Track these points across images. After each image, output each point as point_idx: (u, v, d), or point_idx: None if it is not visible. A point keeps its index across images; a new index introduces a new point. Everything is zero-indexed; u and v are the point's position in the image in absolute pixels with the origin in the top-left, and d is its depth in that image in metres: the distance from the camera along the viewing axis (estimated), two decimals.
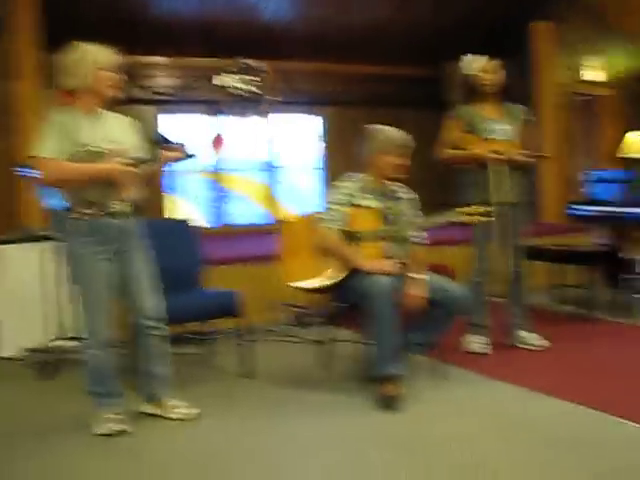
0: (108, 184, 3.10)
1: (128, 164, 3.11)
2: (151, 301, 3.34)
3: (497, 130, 4.30)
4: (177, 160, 3.31)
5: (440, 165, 4.58)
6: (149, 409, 3.44)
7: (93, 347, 3.20)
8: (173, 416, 3.38)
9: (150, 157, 3.24)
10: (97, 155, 3.10)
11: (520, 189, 4.38)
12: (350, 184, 3.80)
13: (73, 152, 3.06)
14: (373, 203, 3.78)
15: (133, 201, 3.25)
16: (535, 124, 4.69)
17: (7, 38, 5.69)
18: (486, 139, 4.27)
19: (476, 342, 4.39)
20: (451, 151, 4.37)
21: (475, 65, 4.33)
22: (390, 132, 3.79)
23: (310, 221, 3.86)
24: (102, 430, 3.17)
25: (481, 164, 4.25)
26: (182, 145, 3.32)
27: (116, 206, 3.16)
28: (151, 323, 3.33)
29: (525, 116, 4.43)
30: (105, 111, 3.26)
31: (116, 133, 3.23)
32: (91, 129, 3.14)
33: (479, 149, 4.23)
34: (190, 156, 3.36)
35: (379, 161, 3.76)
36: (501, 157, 4.18)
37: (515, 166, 4.26)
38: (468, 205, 3.87)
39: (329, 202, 3.78)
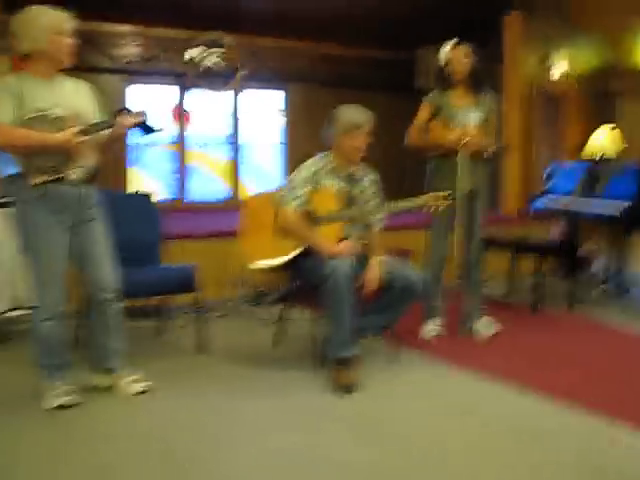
0: (63, 151, 3.04)
1: (81, 131, 3.04)
2: (108, 274, 3.29)
3: (464, 117, 4.31)
4: (135, 126, 3.23)
5: (404, 150, 4.60)
6: (102, 382, 3.42)
7: (43, 318, 3.14)
8: (126, 390, 3.36)
9: (105, 122, 3.17)
10: (51, 121, 3.02)
11: (481, 177, 4.42)
12: (313, 165, 3.79)
13: (27, 117, 2.99)
14: (334, 184, 3.78)
15: (89, 169, 3.19)
16: (499, 113, 4.71)
17: None
18: (452, 126, 4.28)
19: (431, 326, 4.44)
20: (418, 136, 4.38)
21: (446, 50, 4.35)
22: (351, 112, 3.76)
23: (271, 199, 3.85)
24: (52, 403, 3.14)
25: (445, 151, 4.28)
26: (142, 113, 3.25)
27: (71, 174, 3.10)
28: (107, 296, 3.29)
29: (493, 106, 4.46)
30: (62, 76, 3.19)
31: (72, 99, 3.16)
32: (46, 94, 3.06)
33: (447, 135, 4.24)
34: (152, 129, 3.30)
35: (342, 142, 3.75)
36: (466, 144, 4.19)
37: (478, 154, 4.30)
38: (430, 191, 3.89)
39: (291, 182, 3.77)
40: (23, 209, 3.10)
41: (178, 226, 5.69)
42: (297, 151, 8.12)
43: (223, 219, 6.36)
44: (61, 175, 3.07)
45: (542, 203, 6.46)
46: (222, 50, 7.84)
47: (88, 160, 3.18)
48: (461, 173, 4.22)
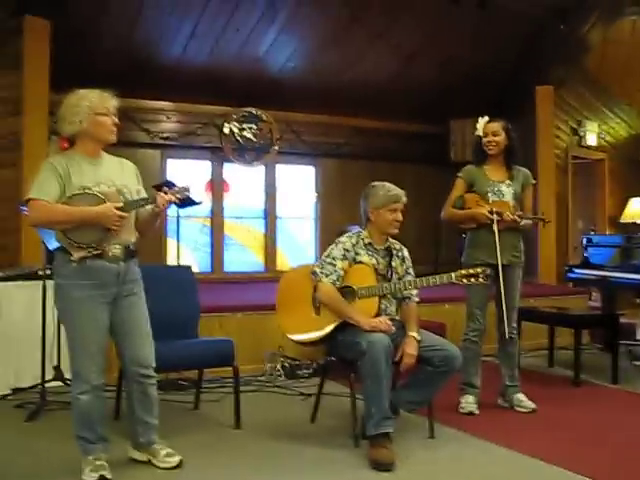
0: (102, 227, 3.10)
1: (121, 207, 3.11)
2: (145, 349, 3.32)
3: (498, 191, 4.34)
4: (175, 203, 3.28)
5: (440, 223, 4.63)
6: (137, 455, 3.41)
7: (81, 391, 3.16)
8: (159, 464, 3.34)
9: (145, 199, 3.23)
10: (93, 197, 3.10)
11: (517, 250, 4.41)
12: (349, 240, 3.85)
13: (70, 195, 3.08)
14: (371, 259, 3.82)
15: (129, 245, 3.25)
16: (535, 187, 4.74)
17: (19, 75, 5.79)
18: (487, 200, 4.31)
19: (467, 402, 4.35)
20: (452, 210, 4.41)
21: (478, 126, 4.42)
22: (387, 187, 3.85)
23: (307, 273, 3.87)
24: (89, 478, 3.11)
25: (481, 224, 4.29)
26: (184, 188, 3.31)
27: (111, 249, 3.15)
28: (143, 371, 3.31)
29: (528, 179, 4.48)
30: (106, 155, 3.30)
31: (116, 176, 3.24)
32: (90, 172, 3.16)
33: (479, 209, 4.27)
34: (194, 202, 3.35)
35: (379, 216, 3.82)
36: (500, 218, 4.21)
37: (513, 227, 4.30)
38: (467, 266, 3.90)
39: (328, 256, 3.82)
40: (63, 283, 3.16)
41: (214, 299, 5.74)
42: (330, 225, 8.18)
43: (258, 292, 6.41)
44: (100, 251, 3.12)
45: (579, 273, 6.41)
46: (257, 125, 8.10)
47: (128, 236, 3.24)
48: (496, 246, 4.21)
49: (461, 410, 4.31)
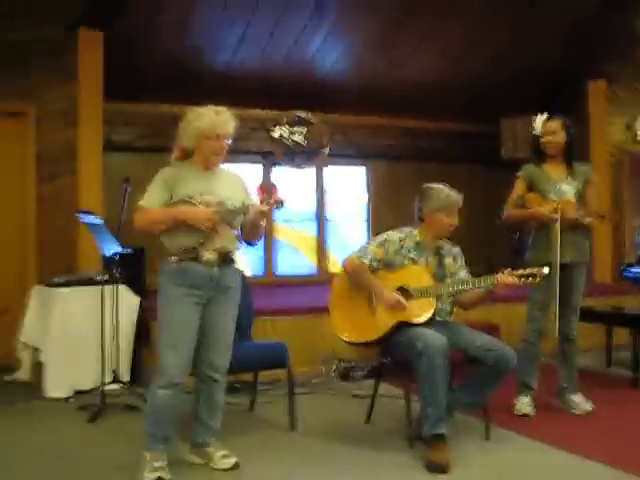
0: (198, 233, 3.22)
1: (218, 212, 3.23)
2: (223, 355, 3.43)
3: (560, 190, 4.28)
4: (271, 210, 3.33)
5: (493, 222, 4.59)
6: (194, 459, 3.48)
7: (161, 385, 3.23)
8: (216, 466, 3.40)
9: (243, 207, 3.32)
10: (195, 205, 3.24)
11: (580, 249, 4.33)
12: (393, 233, 3.90)
13: (172, 202, 3.24)
14: (417, 258, 3.85)
15: (226, 251, 3.35)
16: (596, 184, 4.65)
17: (74, 86, 5.93)
18: (548, 199, 4.25)
19: (522, 403, 4.31)
20: (511, 211, 4.37)
21: (536, 125, 4.36)
22: (444, 192, 3.86)
23: None
24: (148, 478, 3.17)
25: (542, 224, 4.24)
26: (279, 201, 3.33)
27: (207, 254, 3.27)
28: (216, 376, 3.41)
29: (589, 176, 4.40)
30: (221, 168, 3.44)
31: (222, 188, 3.36)
32: (197, 183, 3.30)
33: (541, 209, 4.22)
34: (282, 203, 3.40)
35: (436, 218, 3.83)
36: (562, 217, 4.14)
37: (575, 226, 4.23)
38: (531, 265, 3.86)
39: (366, 243, 3.91)
40: (163, 281, 3.31)
41: (267, 302, 5.80)
42: (380, 226, 8.15)
43: (310, 295, 6.44)
44: (196, 255, 3.25)
45: (635, 271, 6.28)
46: (307, 128, 8.13)
47: (226, 244, 3.35)
48: (556, 245, 4.14)
49: (516, 412, 4.27)
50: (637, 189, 9.37)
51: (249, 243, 3.54)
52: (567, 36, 7.91)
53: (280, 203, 3.33)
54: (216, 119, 3.29)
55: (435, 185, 3.91)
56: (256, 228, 3.45)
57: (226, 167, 3.50)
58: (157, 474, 3.18)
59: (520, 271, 3.66)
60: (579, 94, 8.20)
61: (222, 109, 3.34)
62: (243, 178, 3.58)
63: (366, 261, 3.81)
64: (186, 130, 3.31)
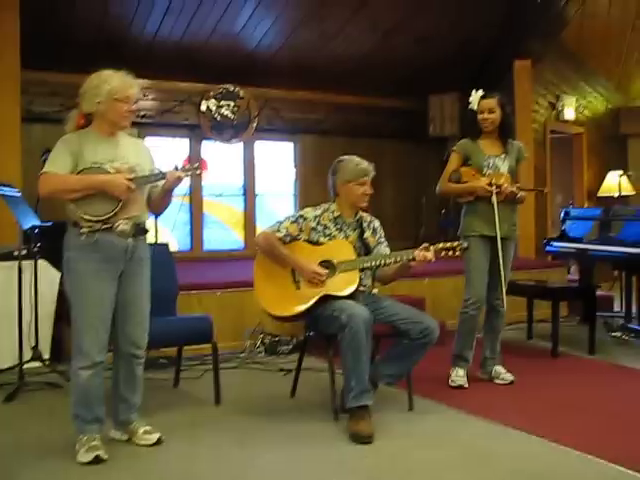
0: (112, 200, 3.11)
1: (131, 179, 3.13)
2: (141, 329, 3.34)
3: (494, 165, 4.33)
4: (182, 178, 3.29)
5: (420, 198, 4.63)
6: (117, 435, 3.41)
7: (81, 366, 3.14)
8: (139, 441, 3.34)
9: (158, 174, 3.26)
10: (105, 173, 3.13)
11: (513, 224, 4.41)
12: (309, 210, 3.92)
13: (81, 169, 3.11)
14: (336, 232, 3.87)
15: (139, 221, 3.26)
16: (529, 161, 4.74)
17: None
18: (484, 173, 4.30)
19: (457, 376, 4.35)
20: (448, 184, 4.40)
21: (472, 101, 4.40)
22: (356, 160, 3.87)
23: None
24: (84, 458, 3.09)
25: (479, 197, 4.29)
26: (194, 167, 3.33)
27: (121, 224, 3.16)
28: (135, 351, 3.33)
29: (522, 153, 4.48)
30: (123, 135, 3.32)
31: (129, 154, 3.27)
32: (104, 150, 3.19)
33: (479, 182, 4.26)
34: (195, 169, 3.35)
35: (349, 190, 3.84)
36: (499, 190, 4.20)
37: (509, 200, 4.30)
38: (464, 237, 3.91)
39: (283, 219, 3.90)
40: (71, 256, 3.16)
41: (193, 276, 5.73)
42: (309, 201, 8.14)
43: (237, 269, 6.39)
44: (110, 225, 3.13)
45: (557, 246, 6.46)
46: (235, 102, 8.04)
47: (138, 213, 3.25)
48: (495, 218, 4.20)
49: (451, 384, 4.32)
50: (559, 166, 9.64)
51: (155, 213, 3.45)
52: (495, 16, 8.01)
53: (197, 169, 3.29)
54: (126, 80, 3.21)
55: (345, 157, 3.92)
56: (167, 196, 3.36)
57: (124, 133, 3.35)
58: (94, 453, 3.09)
59: (440, 245, 3.71)
60: (506, 73, 8.33)
61: (124, 72, 3.24)
62: (147, 145, 3.49)
63: (279, 235, 3.80)
64: (92, 93, 3.16)
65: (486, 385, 4.39)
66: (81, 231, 3.11)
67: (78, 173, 3.12)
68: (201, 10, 6.99)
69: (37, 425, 3.68)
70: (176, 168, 3.26)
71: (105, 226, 3.12)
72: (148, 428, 3.38)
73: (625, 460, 3.02)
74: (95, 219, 3.11)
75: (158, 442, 3.33)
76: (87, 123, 3.25)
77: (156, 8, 6.82)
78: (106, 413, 3.31)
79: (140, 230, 3.27)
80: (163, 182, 3.27)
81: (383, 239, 4.00)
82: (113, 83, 3.16)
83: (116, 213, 3.13)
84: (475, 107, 4.38)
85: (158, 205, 3.39)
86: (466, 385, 4.31)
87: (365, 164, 3.86)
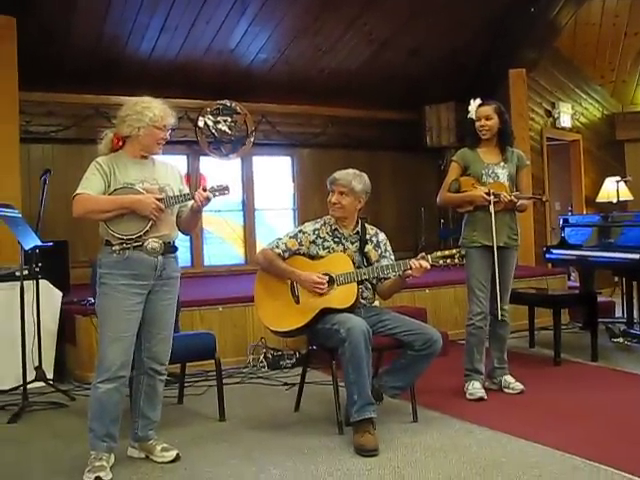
0: (142, 220, 3.18)
1: (160, 199, 3.20)
2: (164, 346, 3.40)
3: (493, 173, 4.34)
4: (210, 199, 3.32)
5: (419, 208, 4.64)
6: (135, 453, 3.44)
7: (101, 379, 3.17)
8: (157, 459, 3.36)
9: (185, 195, 3.32)
10: (135, 192, 3.20)
11: (514, 232, 4.41)
12: (309, 224, 3.96)
13: (112, 190, 3.19)
14: (334, 245, 3.89)
15: (168, 240, 3.31)
16: (529, 169, 4.75)
17: None
18: (483, 182, 4.31)
19: (474, 388, 4.30)
20: (448, 194, 4.41)
21: (470, 109, 4.43)
22: (335, 173, 3.93)
23: None
24: (87, 478, 3.08)
25: (478, 206, 4.29)
26: (223, 187, 3.37)
27: (150, 242, 3.22)
28: (158, 367, 3.38)
29: (523, 161, 4.48)
30: (153, 157, 3.40)
31: (159, 177, 3.34)
32: (135, 171, 3.27)
33: (476, 191, 4.27)
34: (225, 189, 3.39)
35: (329, 202, 3.91)
36: (497, 199, 4.20)
37: (509, 209, 4.31)
38: (464, 247, 3.96)
39: (280, 237, 3.94)
40: (103, 273, 3.23)
41: (194, 293, 5.73)
42: (308, 215, 8.16)
43: (238, 285, 6.40)
44: (140, 243, 3.20)
45: (557, 254, 6.47)
46: (232, 117, 8.06)
47: (168, 232, 3.32)
48: (492, 227, 4.20)
49: (469, 397, 4.27)
50: (557, 174, 9.66)
51: (185, 232, 3.51)
52: (489, 26, 8.05)
53: (225, 189, 3.36)
54: (166, 110, 3.31)
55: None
56: (195, 216, 3.43)
57: (157, 157, 3.47)
58: (96, 474, 3.09)
59: (438, 253, 3.72)
60: (501, 82, 8.37)
61: (162, 101, 3.35)
62: (176, 166, 3.57)
63: (278, 250, 3.83)
64: (134, 118, 3.25)
65: (494, 395, 4.36)
66: (113, 249, 3.18)
67: (110, 194, 3.20)
68: (196, 28, 7.03)
69: (42, 445, 3.67)
70: (204, 189, 3.32)
71: (136, 244, 3.20)
72: (166, 445, 3.41)
73: (631, 466, 3.02)
74: (126, 237, 3.19)
75: (176, 459, 3.36)
76: (122, 145, 3.33)
77: (151, 27, 6.86)
78: (122, 433, 3.31)
79: (170, 248, 3.33)
80: (192, 202, 3.33)
81: (388, 253, 3.99)
82: (155, 111, 3.25)
83: (146, 232, 3.21)
84: (473, 116, 4.41)
85: (187, 224, 3.46)
86: (485, 397, 4.25)
87: (335, 174, 3.91)
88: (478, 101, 4.43)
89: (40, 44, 6.28)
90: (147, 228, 3.21)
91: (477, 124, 4.38)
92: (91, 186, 3.19)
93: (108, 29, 6.71)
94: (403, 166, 8.78)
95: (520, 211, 4.45)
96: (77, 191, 3.20)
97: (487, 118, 4.34)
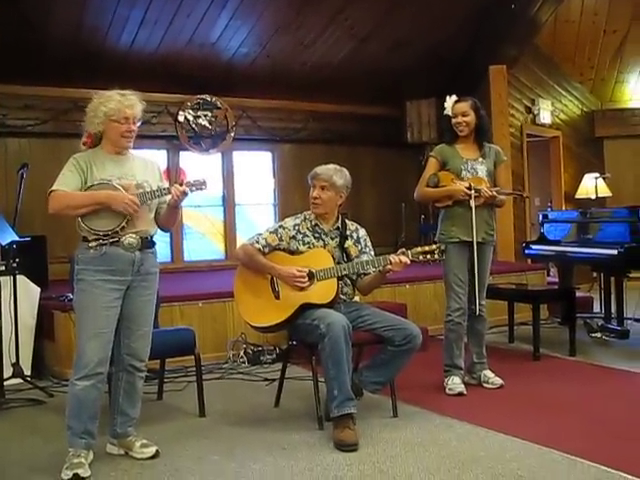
0: (118, 215, 3.17)
1: (138, 194, 3.20)
2: (143, 343, 3.37)
3: (472, 168, 4.35)
4: (187, 194, 3.31)
5: (400, 204, 4.64)
6: (114, 450, 3.42)
7: (79, 376, 3.14)
8: (136, 455, 3.34)
9: (163, 189, 3.30)
10: (112, 188, 3.19)
11: (491, 228, 4.43)
12: (289, 220, 3.96)
13: (89, 186, 3.18)
14: (314, 240, 3.89)
15: (145, 235, 3.30)
16: (507, 164, 4.76)
17: None
18: (462, 177, 4.32)
19: (454, 383, 4.31)
20: (426, 189, 4.41)
21: (447, 106, 4.43)
22: (316, 168, 3.94)
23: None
24: (64, 476, 3.06)
25: (456, 201, 4.30)
26: (200, 182, 3.36)
27: (127, 238, 3.20)
28: (137, 364, 3.36)
29: (500, 157, 4.50)
30: (132, 153, 3.39)
31: (137, 172, 3.32)
32: (112, 167, 3.26)
33: (457, 185, 4.27)
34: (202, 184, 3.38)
35: (310, 198, 3.92)
36: (478, 194, 4.21)
37: (487, 204, 4.32)
38: (442, 242, 3.97)
39: (260, 232, 3.94)
40: (80, 269, 3.21)
41: (174, 288, 5.70)
42: (289, 210, 8.14)
43: (219, 280, 6.38)
44: (117, 239, 3.19)
45: (536, 249, 6.51)
46: (213, 112, 8.02)
47: (145, 227, 3.30)
48: (472, 222, 4.21)
49: (449, 392, 4.28)
50: (537, 170, 9.72)
51: (164, 229, 3.49)
52: (470, 22, 8.08)
53: (203, 184, 3.35)
54: (123, 101, 3.25)
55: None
56: (174, 212, 3.41)
57: (137, 152, 3.46)
58: (74, 471, 3.06)
59: (418, 249, 3.73)
60: (481, 78, 8.40)
61: (128, 92, 3.30)
62: (156, 162, 3.55)
63: (258, 246, 3.83)
64: (93, 115, 3.25)
65: (472, 389, 4.37)
66: (89, 245, 3.17)
67: (87, 190, 3.18)
68: (176, 21, 6.98)
69: (20, 442, 3.64)
70: (181, 184, 3.30)
71: (112, 240, 3.19)
72: (145, 441, 3.39)
73: (608, 459, 3.05)
74: (102, 233, 3.18)
75: (155, 455, 3.34)
76: (95, 142, 3.31)
77: (131, 19, 6.79)
78: (100, 430, 3.29)
79: (147, 244, 3.32)
80: (169, 197, 3.31)
81: (368, 249, 3.99)
82: (110, 104, 3.22)
83: (123, 227, 3.20)
84: (450, 112, 4.41)
85: (166, 220, 3.44)
86: (465, 392, 4.27)
87: (316, 169, 3.92)
88: (454, 97, 4.44)
89: (17, 34, 6.19)
90: (123, 224, 3.19)
91: (454, 121, 4.39)
92: (67, 182, 3.18)
93: (87, 20, 6.62)
94: (384, 161, 8.79)
95: (498, 206, 4.47)
96: (53, 187, 3.20)
97: (464, 114, 4.35)
